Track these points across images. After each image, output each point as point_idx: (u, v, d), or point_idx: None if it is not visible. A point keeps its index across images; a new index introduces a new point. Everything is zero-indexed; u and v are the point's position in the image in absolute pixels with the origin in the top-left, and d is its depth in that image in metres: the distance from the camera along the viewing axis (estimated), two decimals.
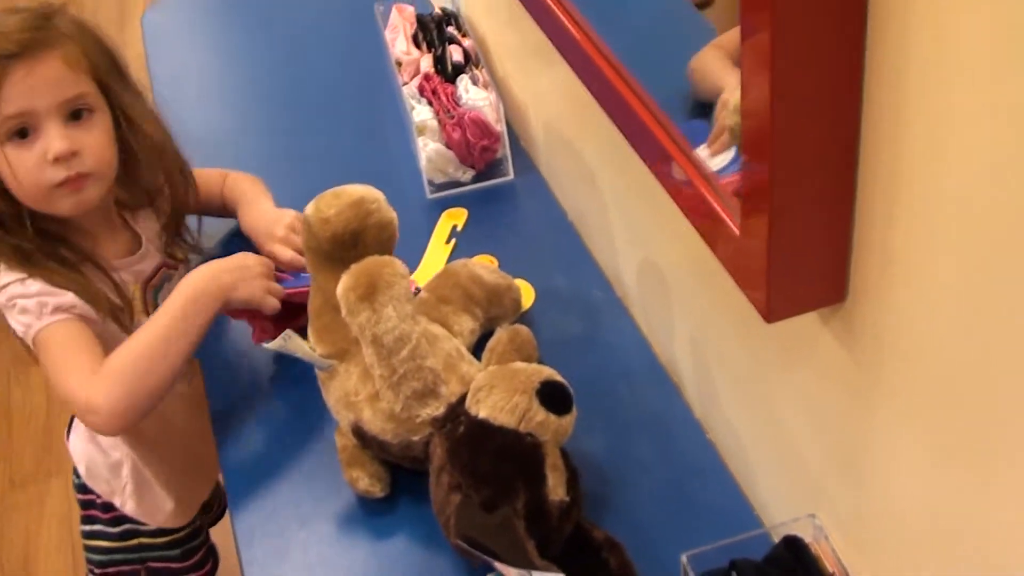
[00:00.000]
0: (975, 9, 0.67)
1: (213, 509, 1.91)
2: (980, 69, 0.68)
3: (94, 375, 1.34)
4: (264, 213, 1.63)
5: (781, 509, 1.22)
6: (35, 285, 1.38)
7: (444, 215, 1.70)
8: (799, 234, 0.88)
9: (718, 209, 0.96)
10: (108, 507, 1.72)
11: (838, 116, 0.83)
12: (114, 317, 1.45)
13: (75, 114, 1.39)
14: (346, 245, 1.26)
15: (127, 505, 1.69)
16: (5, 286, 1.40)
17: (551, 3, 1.29)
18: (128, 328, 1.46)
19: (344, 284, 1.20)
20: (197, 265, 1.46)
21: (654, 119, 1.08)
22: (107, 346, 1.39)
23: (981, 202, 0.72)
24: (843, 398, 1.00)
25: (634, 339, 1.48)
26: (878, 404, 0.94)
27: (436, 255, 1.63)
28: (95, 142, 1.41)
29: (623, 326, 1.50)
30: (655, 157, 1.08)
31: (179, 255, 1.59)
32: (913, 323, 0.85)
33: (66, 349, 1.38)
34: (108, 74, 1.44)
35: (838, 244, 0.90)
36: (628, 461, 1.33)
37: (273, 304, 1.44)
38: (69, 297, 1.38)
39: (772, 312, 0.91)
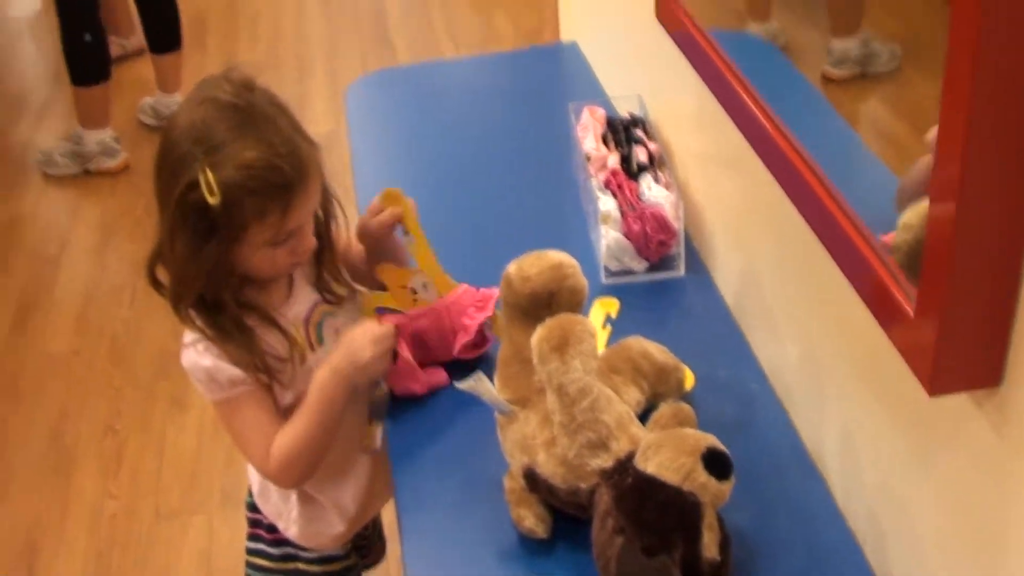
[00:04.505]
0: None
1: (371, 552, 2.04)
2: None
3: (267, 458, 1.61)
4: None
5: None
6: (207, 359, 1.57)
7: (596, 303, 1.82)
8: (967, 320, 1.01)
9: (899, 297, 1.08)
10: (272, 528, 1.85)
11: (1011, 228, 0.96)
12: (274, 376, 1.62)
13: None
14: (541, 303, 1.41)
15: (290, 529, 1.82)
16: (186, 347, 1.60)
17: (757, 112, 1.44)
18: (290, 376, 1.64)
19: (539, 334, 1.33)
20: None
21: (846, 217, 1.21)
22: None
23: None
24: (989, 484, 1.10)
25: (785, 430, 1.58)
26: (1021, 491, 1.04)
27: None
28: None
29: (775, 417, 1.60)
30: (847, 259, 1.22)
31: (339, 291, 1.74)
32: None
33: (241, 425, 1.63)
34: None
35: (999, 333, 1.01)
36: (770, 540, 1.42)
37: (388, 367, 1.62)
38: (236, 373, 1.58)
39: (934, 386, 1.03)
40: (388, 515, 2.11)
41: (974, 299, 0.99)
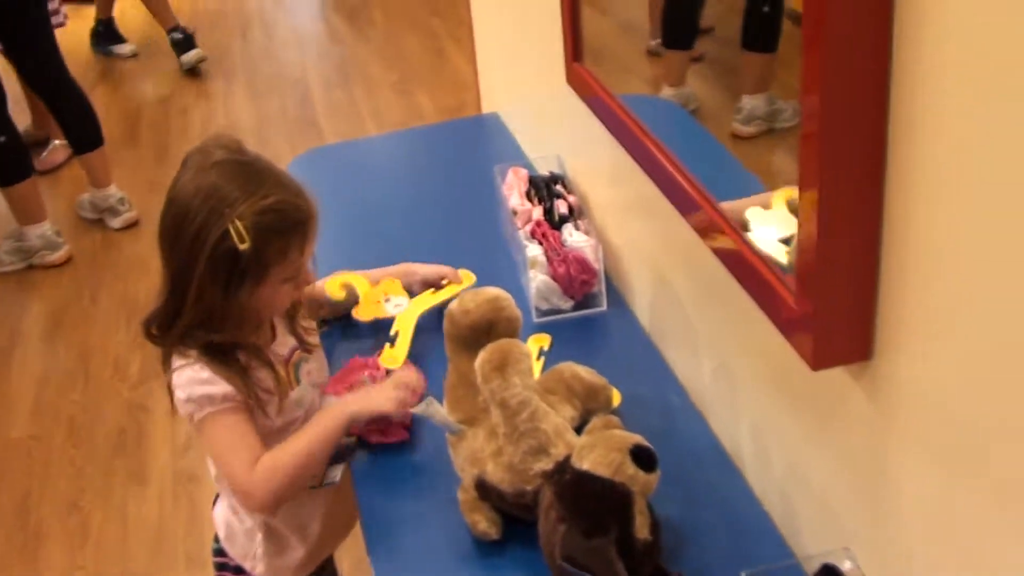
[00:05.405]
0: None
1: None
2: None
3: (252, 471, 1.69)
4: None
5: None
6: (205, 372, 1.69)
7: (530, 339, 2.01)
8: (836, 308, 1.23)
9: (784, 294, 1.31)
10: (239, 570, 1.98)
11: (866, 255, 1.20)
12: (260, 406, 1.76)
13: None
14: (481, 333, 1.61)
15: (256, 568, 1.95)
16: (181, 367, 1.72)
17: (664, 162, 1.67)
18: (276, 408, 1.79)
19: (482, 357, 1.53)
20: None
21: (746, 245, 1.44)
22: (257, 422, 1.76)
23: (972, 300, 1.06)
24: (869, 444, 1.32)
25: (704, 433, 1.79)
26: (895, 446, 1.26)
27: None
28: None
29: (694, 423, 1.82)
30: (744, 274, 1.44)
31: (312, 341, 1.92)
32: (921, 377, 1.18)
33: (231, 437, 1.72)
34: None
35: (865, 316, 1.23)
36: (697, 526, 1.62)
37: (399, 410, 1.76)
38: (231, 388, 1.70)
39: (816, 361, 1.26)
40: (346, 560, 2.29)
41: (841, 290, 1.21)
